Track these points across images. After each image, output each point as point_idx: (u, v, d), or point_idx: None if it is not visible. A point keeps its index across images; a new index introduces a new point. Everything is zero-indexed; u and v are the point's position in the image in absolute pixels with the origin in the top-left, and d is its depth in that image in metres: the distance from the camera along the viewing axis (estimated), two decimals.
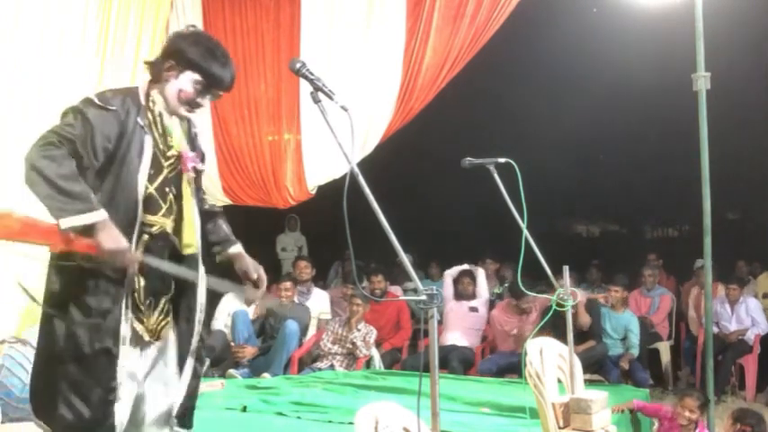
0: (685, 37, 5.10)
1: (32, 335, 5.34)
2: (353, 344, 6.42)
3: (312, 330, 7.05)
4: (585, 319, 6.25)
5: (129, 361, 2.65)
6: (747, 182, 11.17)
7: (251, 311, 6.88)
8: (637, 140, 12.41)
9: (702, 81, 4.84)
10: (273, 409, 5.19)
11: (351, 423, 2.70)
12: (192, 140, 2.91)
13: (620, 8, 6.42)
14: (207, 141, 6.87)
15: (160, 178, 2.75)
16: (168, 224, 2.78)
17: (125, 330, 2.63)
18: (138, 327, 2.70)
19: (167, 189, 2.77)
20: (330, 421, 4.82)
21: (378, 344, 6.79)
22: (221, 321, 6.85)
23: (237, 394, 5.67)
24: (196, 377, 2.88)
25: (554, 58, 10.92)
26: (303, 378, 6.19)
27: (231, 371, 6.36)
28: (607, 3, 6.76)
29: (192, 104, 2.78)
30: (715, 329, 6.36)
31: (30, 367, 4.61)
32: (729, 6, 5.89)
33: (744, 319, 7.01)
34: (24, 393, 4.58)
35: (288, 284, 6.96)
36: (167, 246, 2.79)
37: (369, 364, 6.56)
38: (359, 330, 6.47)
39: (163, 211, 2.76)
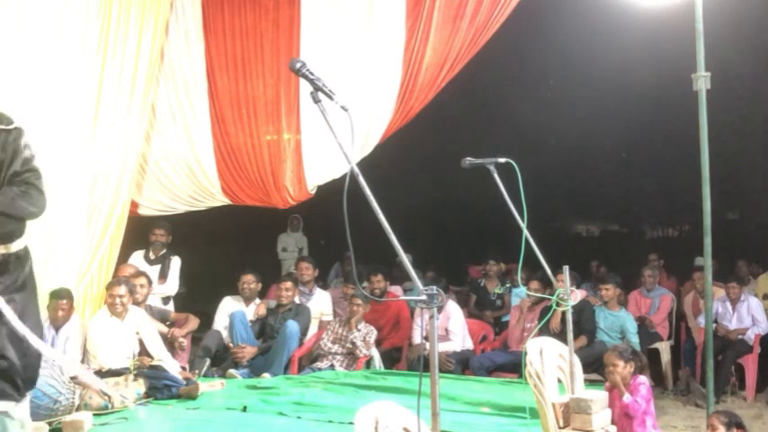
0: (685, 37, 5.11)
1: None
2: (353, 344, 6.41)
3: (313, 330, 7.04)
4: (556, 322, 6.16)
5: None
6: (747, 182, 11.17)
7: (250, 312, 6.88)
8: (637, 140, 12.41)
9: (702, 81, 4.85)
10: (273, 409, 5.19)
11: (351, 423, 2.70)
12: None
13: (620, 8, 6.42)
14: (205, 141, 6.88)
15: None
16: None
17: None
18: None
19: None
20: (330, 421, 4.83)
21: (378, 344, 6.78)
22: (220, 323, 6.85)
23: (237, 394, 5.67)
24: None
25: (554, 58, 10.93)
26: (303, 378, 6.18)
27: (231, 371, 6.35)
28: (607, 3, 6.76)
29: None
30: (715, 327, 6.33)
31: None
32: (729, 6, 5.90)
33: (745, 318, 7.00)
34: None
35: (288, 284, 6.94)
36: None
37: (369, 364, 6.55)
38: (359, 330, 6.46)
39: None
